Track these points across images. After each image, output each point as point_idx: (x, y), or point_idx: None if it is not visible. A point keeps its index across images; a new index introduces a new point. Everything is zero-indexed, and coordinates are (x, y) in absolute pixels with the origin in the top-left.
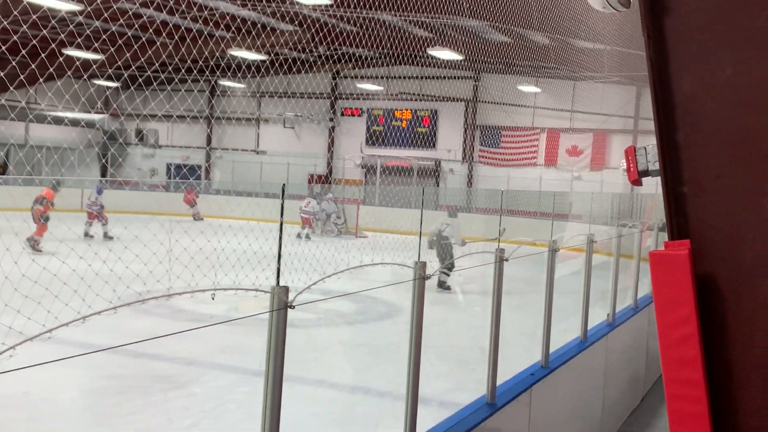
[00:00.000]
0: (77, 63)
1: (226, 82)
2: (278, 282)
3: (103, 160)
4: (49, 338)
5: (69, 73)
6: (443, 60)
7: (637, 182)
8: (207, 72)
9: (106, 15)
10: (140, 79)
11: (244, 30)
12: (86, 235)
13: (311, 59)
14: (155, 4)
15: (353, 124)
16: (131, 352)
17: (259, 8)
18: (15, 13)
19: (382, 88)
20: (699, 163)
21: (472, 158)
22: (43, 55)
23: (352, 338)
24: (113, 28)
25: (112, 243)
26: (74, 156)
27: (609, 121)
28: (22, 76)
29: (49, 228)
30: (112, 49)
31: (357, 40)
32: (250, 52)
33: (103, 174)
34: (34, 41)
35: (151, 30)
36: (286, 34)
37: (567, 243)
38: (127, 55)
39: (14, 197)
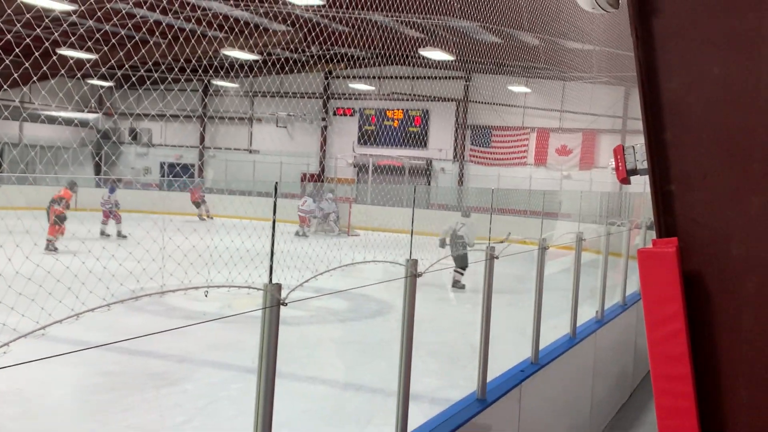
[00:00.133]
0: (71, 62)
1: (219, 82)
2: (271, 279)
3: (97, 159)
4: (42, 335)
5: (62, 72)
6: (434, 60)
7: (625, 181)
8: (200, 71)
9: (99, 14)
10: (133, 78)
11: (237, 30)
12: (102, 234)
13: (304, 59)
14: (148, 3)
15: (345, 124)
16: (124, 349)
17: (251, 8)
18: (8, 11)
19: (374, 88)
20: (686, 162)
21: (463, 157)
22: (36, 54)
23: (344, 335)
24: (106, 28)
25: (108, 242)
26: (68, 155)
27: (598, 121)
28: (15, 75)
29: (66, 228)
30: (106, 49)
31: (349, 40)
32: (243, 51)
33: (97, 172)
34: (28, 40)
35: (144, 29)
36: (279, 34)
37: (556, 241)
38: (121, 54)
39: (8, 196)
